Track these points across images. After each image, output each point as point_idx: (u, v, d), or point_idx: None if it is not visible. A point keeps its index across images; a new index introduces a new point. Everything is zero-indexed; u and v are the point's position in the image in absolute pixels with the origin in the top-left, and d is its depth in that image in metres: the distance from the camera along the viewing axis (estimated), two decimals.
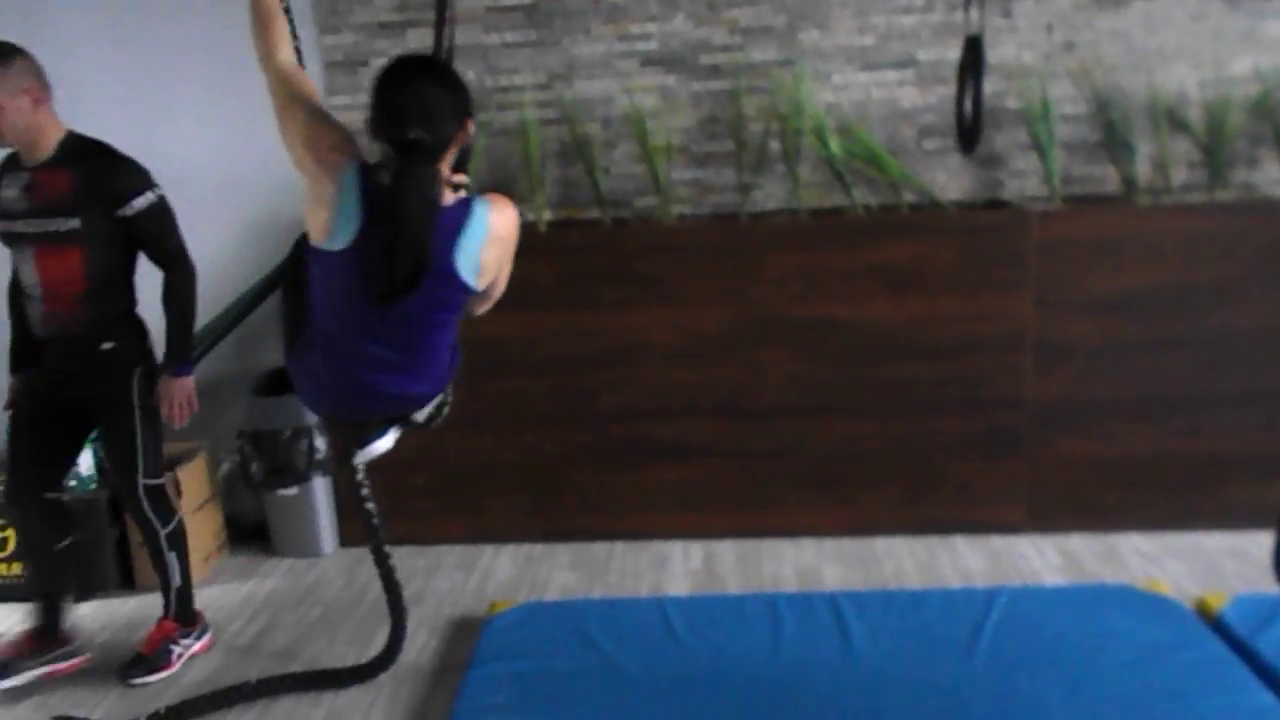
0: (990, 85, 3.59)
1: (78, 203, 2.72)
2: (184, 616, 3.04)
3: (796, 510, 3.69)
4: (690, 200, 3.83)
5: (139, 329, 2.91)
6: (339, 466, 2.70)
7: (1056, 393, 3.52)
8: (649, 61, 3.76)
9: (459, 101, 2.00)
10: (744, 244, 3.61)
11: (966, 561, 3.44)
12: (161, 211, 2.82)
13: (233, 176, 3.77)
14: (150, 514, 2.93)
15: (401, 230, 1.91)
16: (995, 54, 3.60)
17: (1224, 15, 3.55)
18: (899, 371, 3.56)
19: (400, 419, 2.34)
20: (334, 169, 1.97)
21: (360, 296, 2.02)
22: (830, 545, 3.61)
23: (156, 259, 2.87)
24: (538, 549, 3.71)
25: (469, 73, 3.81)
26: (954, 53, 3.61)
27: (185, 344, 2.91)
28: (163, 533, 2.96)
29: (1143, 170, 3.63)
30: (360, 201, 1.97)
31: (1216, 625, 2.83)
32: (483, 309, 2.30)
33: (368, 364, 2.12)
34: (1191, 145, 3.61)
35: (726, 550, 3.62)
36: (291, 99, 2.05)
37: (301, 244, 2.33)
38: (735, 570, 3.47)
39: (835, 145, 3.60)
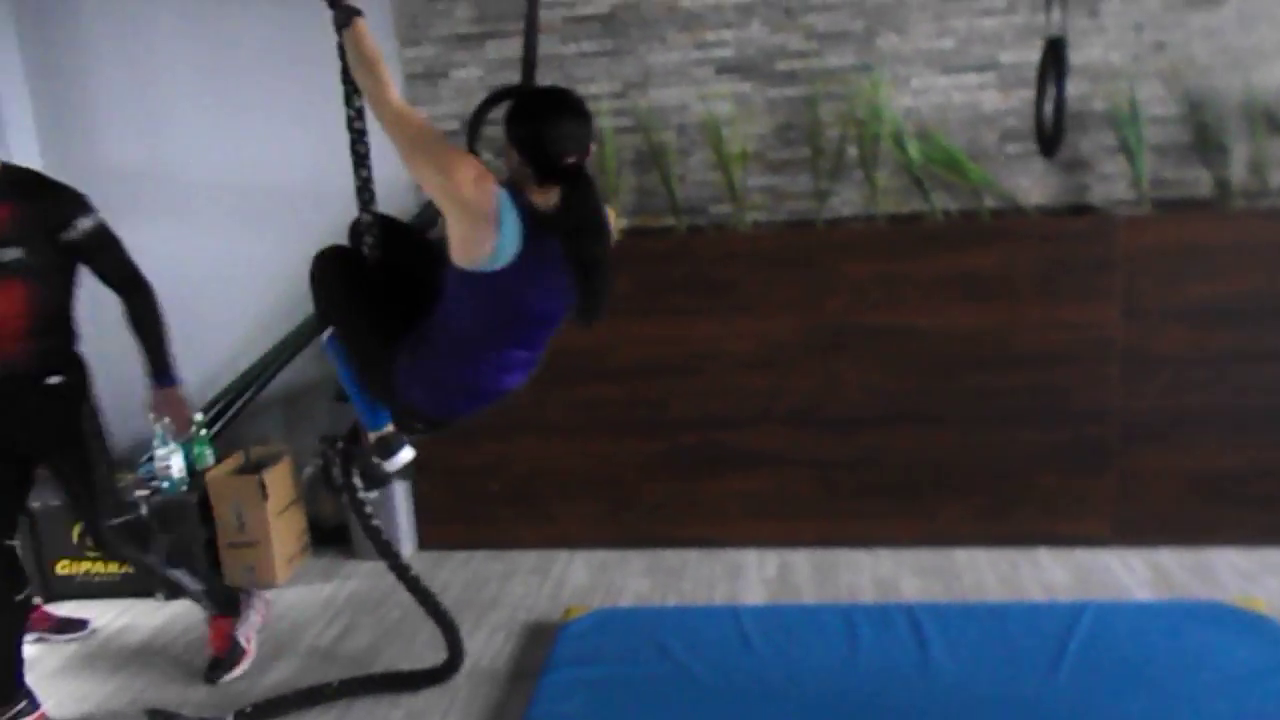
0: (1076, 87, 3.50)
1: (19, 233, 2.60)
2: (227, 607, 3.08)
3: (874, 520, 3.64)
4: (766, 207, 3.81)
5: (81, 362, 2.80)
6: (341, 485, 2.74)
7: (1146, 404, 3.41)
8: (725, 68, 3.75)
9: (592, 129, 2.15)
10: (820, 251, 3.58)
11: (1050, 575, 3.35)
12: (105, 233, 2.76)
13: (326, 186, 3.85)
14: (127, 553, 2.88)
15: (598, 249, 2.11)
16: (1082, 55, 3.51)
17: None
18: (980, 381, 3.49)
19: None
20: (486, 197, 2.06)
21: (517, 307, 2.20)
22: (909, 556, 3.55)
23: (112, 282, 2.81)
24: (612, 555, 3.72)
25: (546, 82, 3.85)
26: (1037, 54, 3.53)
27: (165, 357, 2.86)
28: (147, 560, 2.91)
29: (1237, 173, 3.51)
30: (521, 223, 2.08)
31: None
32: None
33: (506, 367, 2.34)
34: None
35: (802, 560, 3.59)
36: (417, 137, 2.11)
37: (336, 270, 2.43)
38: (811, 580, 3.44)
39: (914, 150, 3.55)
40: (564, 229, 2.08)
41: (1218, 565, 3.33)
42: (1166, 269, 3.35)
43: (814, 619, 3.04)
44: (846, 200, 3.76)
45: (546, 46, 3.81)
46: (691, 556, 3.67)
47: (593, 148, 2.14)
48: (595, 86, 3.81)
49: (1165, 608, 3.01)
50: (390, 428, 2.57)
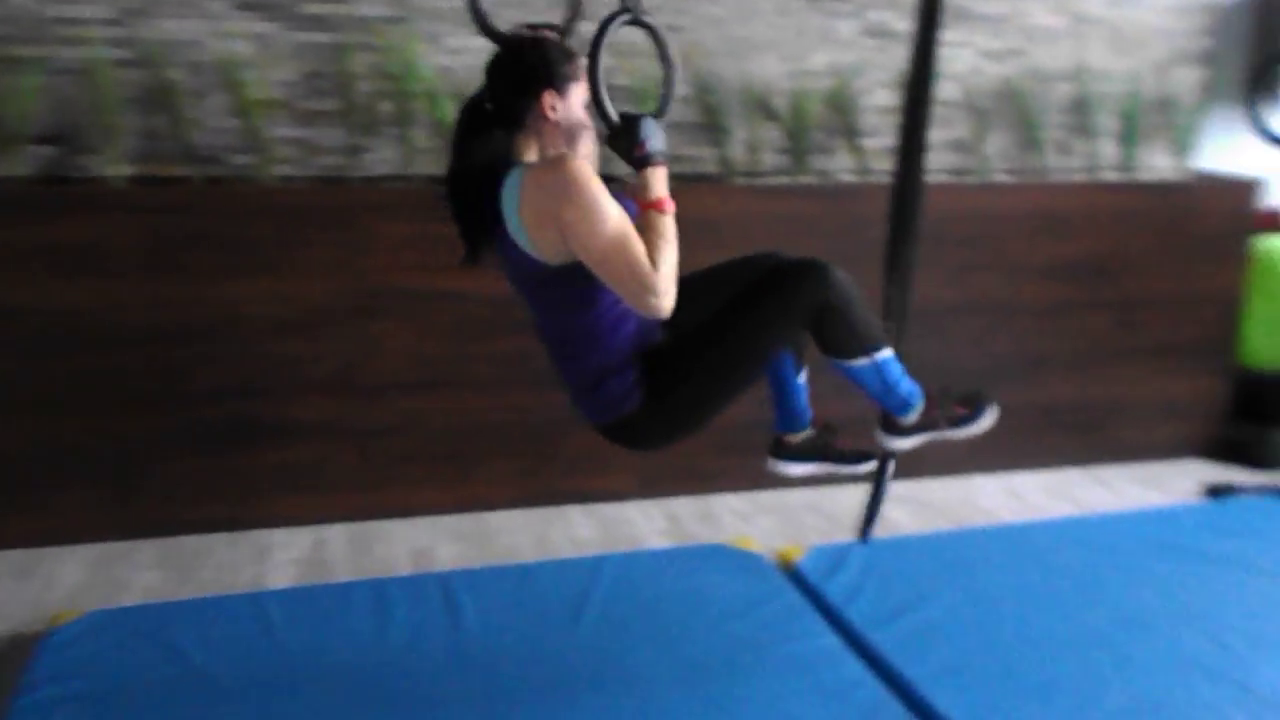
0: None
1: None
2: None
3: (412, 488, 3.58)
4: (295, 160, 3.55)
5: None
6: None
7: None
8: (243, 5, 3.41)
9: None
10: (354, 210, 3.41)
11: (579, 531, 3.51)
12: None
13: None
14: None
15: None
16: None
17: (805, 12, 3.85)
18: (516, 344, 3.54)
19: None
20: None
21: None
22: (447, 522, 3.54)
23: None
24: (117, 548, 3.29)
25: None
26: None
27: None
28: None
29: (737, 153, 3.87)
30: None
31: (794, 576, 3.10)
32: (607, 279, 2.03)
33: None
34: (779, 132, 3.90)
35: (337, 535, 3.43)
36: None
37: None
38: (345, 556, 3.30)
39: (449, 111, 3.49)
40: None
41: (720, 510, 3.70)
42: (680, 239, 3.61)
43: (344, 598, 2.91)
44: (382, 158, 3.61)
45: None
46: (215, 541, 3.36)
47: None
48: (85, 8, 3.30)
49: (674, 553, 3.27)
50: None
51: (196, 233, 3.29)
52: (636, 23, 2.14)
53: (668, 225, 2.02)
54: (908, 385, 2.34)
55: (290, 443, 3.46)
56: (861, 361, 2.24)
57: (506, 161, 2.06)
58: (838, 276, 2.16)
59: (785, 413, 2.51)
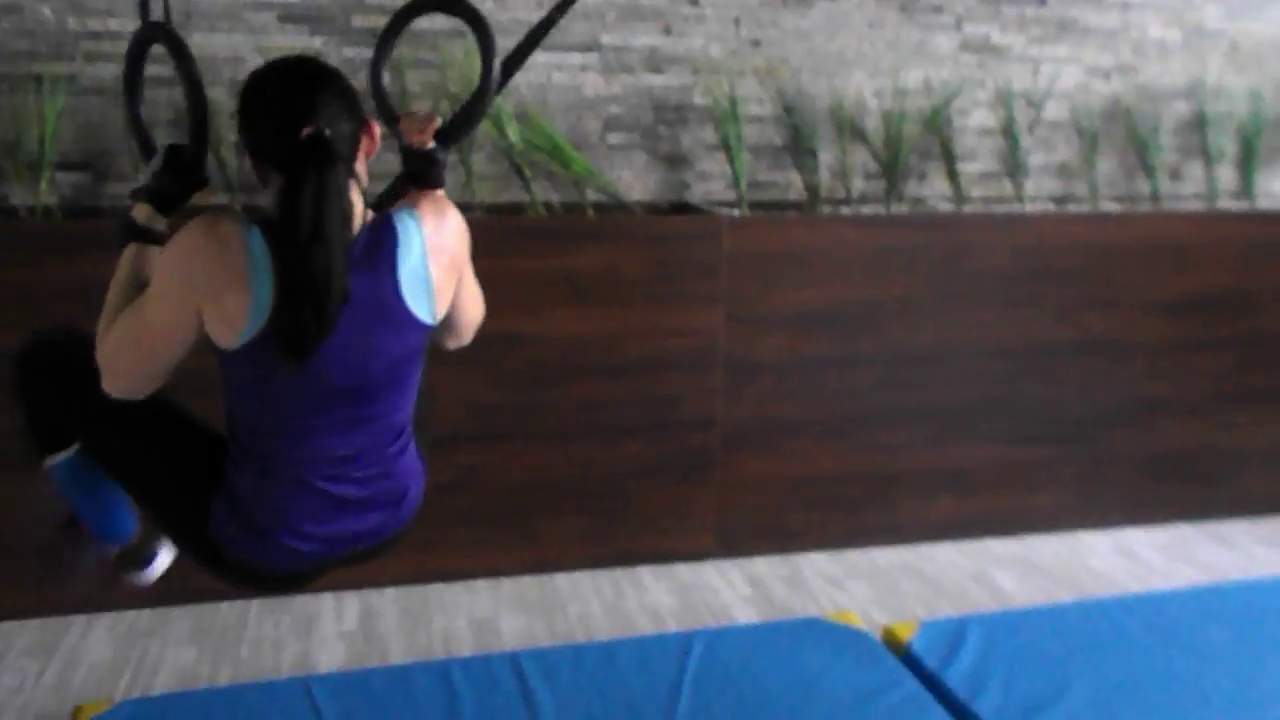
0: (677, 79, 3.33)
1: None
2: None
3: (471, 549, 3.24)
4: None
5: None
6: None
7: (746, 412, 3.34)
8: (289, 17, 3.11)
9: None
10: None
11: (654, 597, 3.17)
12: None
13: None
14: None
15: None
16: (682, 45, 3.34)
17: (899, 24, 3.52)
18: (585, 391, 3.21)
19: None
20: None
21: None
22: (509, 586, 3.20)
23: None
24: (145, 617, 2.97)
25: (45, 9, 2.97)
26: (640, 39, 3.32)
27: None
28: None
29: (824, 179, 3.54)
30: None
31: (907, 658, 2.74)
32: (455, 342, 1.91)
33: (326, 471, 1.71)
34: (868, 155, 3.57)
35: (388, 603, 3.10)
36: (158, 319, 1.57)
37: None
38: (399, 628, 2.97)
39: (514, 134, 3.17)
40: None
41: (807, 572, 3.35)
42: (765, 273, 3.29)
43: (404, 684, 2.57)
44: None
45: None
46: (251, 610, 3.03)
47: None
48: (116, 21, 3.00)
49: (768, 630, 2.91)
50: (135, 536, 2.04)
51: None
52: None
53: None
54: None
55: None
56: None
57: (384, 215, 1.62)
58: None
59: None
